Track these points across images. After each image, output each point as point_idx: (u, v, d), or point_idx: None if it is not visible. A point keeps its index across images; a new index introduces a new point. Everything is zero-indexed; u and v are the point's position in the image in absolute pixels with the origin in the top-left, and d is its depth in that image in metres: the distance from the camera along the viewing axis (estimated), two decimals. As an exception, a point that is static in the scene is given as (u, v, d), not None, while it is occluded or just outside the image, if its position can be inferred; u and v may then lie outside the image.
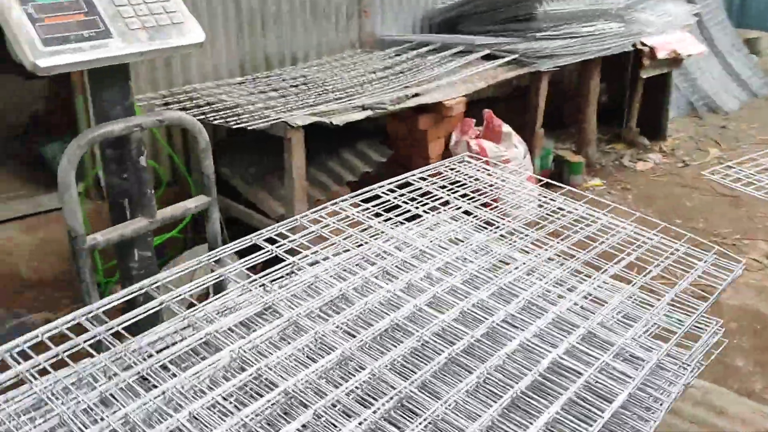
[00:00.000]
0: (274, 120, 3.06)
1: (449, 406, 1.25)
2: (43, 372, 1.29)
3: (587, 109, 4.85)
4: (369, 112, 3.33)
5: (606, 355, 1.41)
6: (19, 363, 1.29)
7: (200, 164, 1.70)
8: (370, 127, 3.79)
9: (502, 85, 4.22)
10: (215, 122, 3.12)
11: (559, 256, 1.83)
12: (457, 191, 2.09)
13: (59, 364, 1.32)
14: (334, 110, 3.27)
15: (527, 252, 1.83)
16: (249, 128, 3.02)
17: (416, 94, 3.60)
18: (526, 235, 1.87)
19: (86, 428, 1.17)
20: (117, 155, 1.64)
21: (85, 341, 1.35)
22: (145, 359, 1.33)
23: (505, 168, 2.34)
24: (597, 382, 1.36)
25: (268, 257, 1.67)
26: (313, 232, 1.78)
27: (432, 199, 2.03)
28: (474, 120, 3.96)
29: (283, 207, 3.31)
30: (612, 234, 1.89)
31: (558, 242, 1.85)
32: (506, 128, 4.00)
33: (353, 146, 3.78)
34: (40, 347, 1.34)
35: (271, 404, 1.27)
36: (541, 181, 2.20)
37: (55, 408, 1.21)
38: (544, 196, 2.09)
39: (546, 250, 1.82)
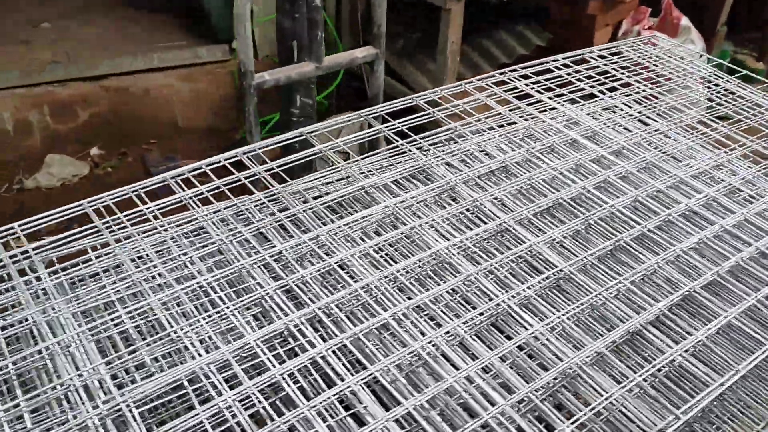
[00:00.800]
0: (435, -13, 2.89)
1: (611, 294, 1.16)
2: (205, 201, 1.32)
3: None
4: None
5: None
6: (183, 190, 1.32)
7: (372, 14, 1.61)
8: (531, 7, 3.52)
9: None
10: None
11: (752, 155, 1.61)
12: (640, 73, 1.88)
13: (218, 197, 1.34)
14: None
15: (714, 147, 1.63)
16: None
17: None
18: (714, 129, 1.66)
19: (241, 258, 1.18)
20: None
21: (246, 177, 1.35)
22: (300, 203, 1.32)
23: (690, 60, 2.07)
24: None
25: (427, 120, 1.59)
26: (477, 99, 1.66)
27: (611, 79, 1.84)
28: (650, 9, 3.56)
29: (432, 84, 3.16)
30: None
31: (751, 140, 1.63)
32: (685, 21, 3.56)
33: (511, 27, 3.52)
34: (202, 179, 1.36)
35: (422, 264, 1.22)
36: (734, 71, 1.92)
37: (214, 236, 1.23)
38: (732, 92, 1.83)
39: (736, 147, 1.61)
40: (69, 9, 3.66)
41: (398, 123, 1.54)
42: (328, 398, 0.96)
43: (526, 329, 1.07)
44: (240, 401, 0.97)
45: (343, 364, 1.04)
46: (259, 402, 0.96)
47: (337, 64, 1.62)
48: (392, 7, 3.46)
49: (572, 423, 0.94)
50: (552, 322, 1.08)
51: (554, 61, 1.88)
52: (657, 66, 1.93)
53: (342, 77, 3.27)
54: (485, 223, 1.31)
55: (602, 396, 0.99)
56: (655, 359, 1.06)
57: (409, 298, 1.12)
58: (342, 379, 0.99)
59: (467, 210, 1.35)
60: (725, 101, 1.80)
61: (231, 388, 0.98)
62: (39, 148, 3.10)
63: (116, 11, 3.69)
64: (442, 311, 1.15)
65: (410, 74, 3.34)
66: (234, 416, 0.94)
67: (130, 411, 0.94)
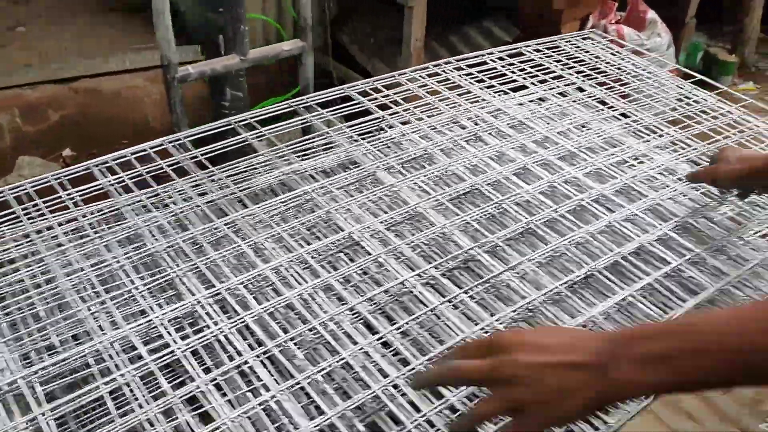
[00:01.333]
0: (396, -16, 2.94)
1: (517, 273, 1.19)
2: (127, 189, 1.34)
3: (752, 1, 4.28)
4: (499, -16, 3.12)
5: (703, 249, 1.28)
6: (105, 177, 1.35)
7: (298, 7, 1.65)
8: (498, 4, 3.57)
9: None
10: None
11: (676, 144, 1.66)
12: (573, 67, 1.92)
13: (142, 185, 1.36)
14: (462, -21, 3.09)
15: (640, 137, 1.67)
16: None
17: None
18: (641, 119, 1.70)
19: (158, 242, 1.21)
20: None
21: (168, 165, 1.38)
22: (221, 188, 1.35)
23: (634, 50, 2.11)
24: (690, 276, 1.24)
25: (358, 110, 1.63)
26: (408, 90, 1.70)
27: (543, 71, 1.88)
28: (617, 3, 3.62)
29: (400, 80, 3.21)
30: (742, 130, 1.68)
31: (675, 130, 1.67)
32: (652, 14, 3.63)
33: (479, 23, 3.58)
34: (127, 167, 1.39)
35: (335, 245, 1.25)
36: (690, 77, 1.94)
37: (131, 221, 1.25)
38: (679, 86, 1.87)
39: (661, 136, 1.66)
40: (46, 12, 3.69)
41: (326, 112, 1.57)
42: (227, 371, 0.99)
43: (426, 306, 1.10)
44: (141, 377, 1.00)
45: (249, 344, 1.07)
46: (155, 379, 0.99)
47: (263, 56, 1.66)
48: (361, 7, 3.53)
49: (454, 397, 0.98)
50: (453, 300, 1.12)
51: (489, 54, 1.92)
52: (592, 60, 1.97)
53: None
54: (401, 207, 1.34)
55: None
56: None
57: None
58: (240, 355, 1.01)
59: (386, 195, 1.38)
60: (655, 93, 1.84)
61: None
62: (10, 150, 3.12)
63: (93, 14, 3.72)
64: (352, 291, 1.18)
65: (378, 70, 3.39)
66: (132, 392, 0.97)
67: (32, 387, 0.96)
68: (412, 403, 0.97)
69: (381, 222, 1.28)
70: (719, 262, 1.27)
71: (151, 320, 1.06)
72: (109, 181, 1.34)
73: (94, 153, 3.19)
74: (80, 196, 1.31)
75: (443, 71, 1.81)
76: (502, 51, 1.94)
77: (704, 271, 1.26)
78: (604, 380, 0.61)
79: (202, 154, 1.42)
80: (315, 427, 0.92)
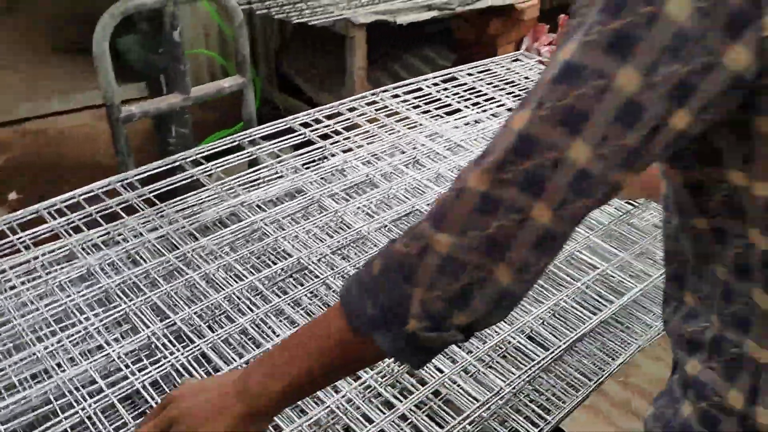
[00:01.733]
0: (336, 17, 3.03)
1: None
2: (77, 230, 1.38)
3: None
4: (435, 12, 3.24)
5: (627, 253, 1.38)
6: (55, 219, 1.38)
7: (236, 43, 1.71)
8: (436, 31, 3.70)
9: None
10: (276, 16, 3.11)
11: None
12: (504, 88, 2.03)
13: (93, 225, 1.40)
14: (399, 9, 3.20)
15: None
16: (310, 24, 3.00)
17: (486, -5, 3.46)
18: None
19: (111, 279, 1.25)
20: (151, 29, 1.65)
21: (117, 204, 1.42)
22: (170, 223, 1.40)
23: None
24: (619, 280, 1.33)
25: (301, 140, 1.70)
26: (348, 119, 1.78)
27: (476, 94, 1.98)
28: (548, 26, 3.79)
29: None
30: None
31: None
32: (581, 35, 3.80)
33: (418, 50, 3.70)
34: (76, 209, 1.42)
35: (284, 271, 1.31)
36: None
37: (83, 260, 1.29)
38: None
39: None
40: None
41: (270, 144, 1.64)
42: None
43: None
44: (102, 411, 1.03)
45: (205, 371, 1.12)
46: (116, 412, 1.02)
47: (205, 94, 1.72)
48: (303, 38, 3.61)
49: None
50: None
51: (424, 80, 2.01)
52: (522, 81, 2.09)
53: (258, 107, 3.35)
54: (346, 231, 1.41)
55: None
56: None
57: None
58: (197, 382, 1.06)
59: (331, 220, 1.45)
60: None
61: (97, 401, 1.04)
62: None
63: (37, 55, 3.73)
64: (303, 314, 1.24)
65: (323, 100, 3.45)
66: (95, 425, 1.00)
67: (-7, 428, 0.99)
68: (365, 416, 1.03)
69: (327, 246, 1.35)
70: (643, 264, 1.37)
71: (108, 354, 1.10)
72: (59, 223, 1.37)
73: (43, 196, 3.18)
74: (30, 239, 1.34)
75: (381, 99, 1.89)
76: (437, 77, 2.04)
77: (631, 275, 1.36)
78: (246, 399, 0.73)
79: (150, 192, 1.46)
80: (272, 444, 0.97)
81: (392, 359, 0.67)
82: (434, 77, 2.04)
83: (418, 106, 1.89)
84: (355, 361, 0.71)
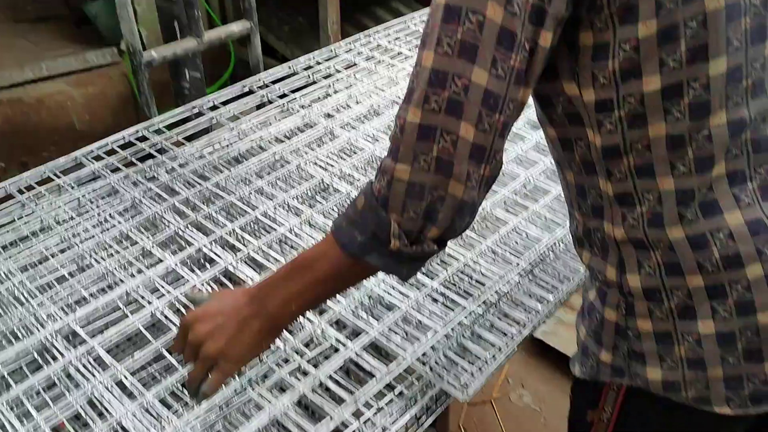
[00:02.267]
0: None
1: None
2: (115, 170, 1.50)
3: None
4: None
5: (538, 204, 1.41)
6: (93, 163, 1.51)
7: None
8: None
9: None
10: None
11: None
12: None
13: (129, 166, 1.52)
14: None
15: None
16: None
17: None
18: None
19: (153, 207, 1.38)
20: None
21: (149, 147, 1.55)
22: (200, 158, 1.53)
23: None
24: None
25: (305, 83, 1.83)
26: (346, 59, 1.91)
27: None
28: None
29: (321, 64, 3.37)
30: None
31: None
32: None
33: (388, 3, 3.80)
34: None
35: (311, 190, 1.45)
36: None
37: (127, 193, 1.42)
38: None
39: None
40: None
41: (280, 85, 1.77)
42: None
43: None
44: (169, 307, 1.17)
45: (259, 273, 1.26)
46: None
47: (217, 38, 1.84)
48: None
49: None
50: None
51: (411, 18, 2.14)
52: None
53: (233, 67, 3.44)
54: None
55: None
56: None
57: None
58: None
59: (345, 146, 1.59)
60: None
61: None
62: (-65, 168, 3.12)
63: (3, 28, 3.72)
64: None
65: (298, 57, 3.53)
66: (159, 321, 1.15)
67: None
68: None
69: (346, 166, 1.49)
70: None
71: (168, 264, 1.24)
72: (98, 167, 1.49)
73: (25, 162, 3.22)
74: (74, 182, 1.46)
75: (374, 39, 2.03)
76: (423, 14, 2.16)
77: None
78: (263, 317, 0.84)
79: (177, 134, 1.59)
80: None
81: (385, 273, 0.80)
82: (420, 15, 2.16)
83: (409, 42, 2.01)
84: (356, 277, 0.85)
